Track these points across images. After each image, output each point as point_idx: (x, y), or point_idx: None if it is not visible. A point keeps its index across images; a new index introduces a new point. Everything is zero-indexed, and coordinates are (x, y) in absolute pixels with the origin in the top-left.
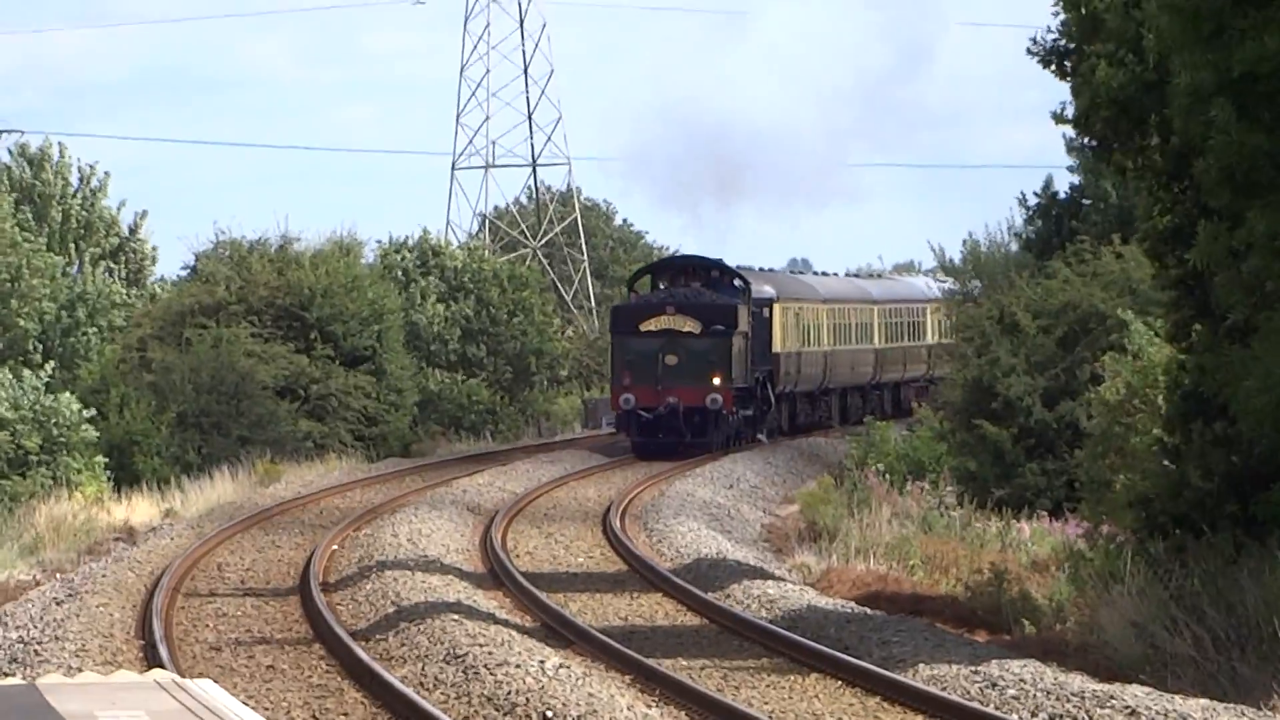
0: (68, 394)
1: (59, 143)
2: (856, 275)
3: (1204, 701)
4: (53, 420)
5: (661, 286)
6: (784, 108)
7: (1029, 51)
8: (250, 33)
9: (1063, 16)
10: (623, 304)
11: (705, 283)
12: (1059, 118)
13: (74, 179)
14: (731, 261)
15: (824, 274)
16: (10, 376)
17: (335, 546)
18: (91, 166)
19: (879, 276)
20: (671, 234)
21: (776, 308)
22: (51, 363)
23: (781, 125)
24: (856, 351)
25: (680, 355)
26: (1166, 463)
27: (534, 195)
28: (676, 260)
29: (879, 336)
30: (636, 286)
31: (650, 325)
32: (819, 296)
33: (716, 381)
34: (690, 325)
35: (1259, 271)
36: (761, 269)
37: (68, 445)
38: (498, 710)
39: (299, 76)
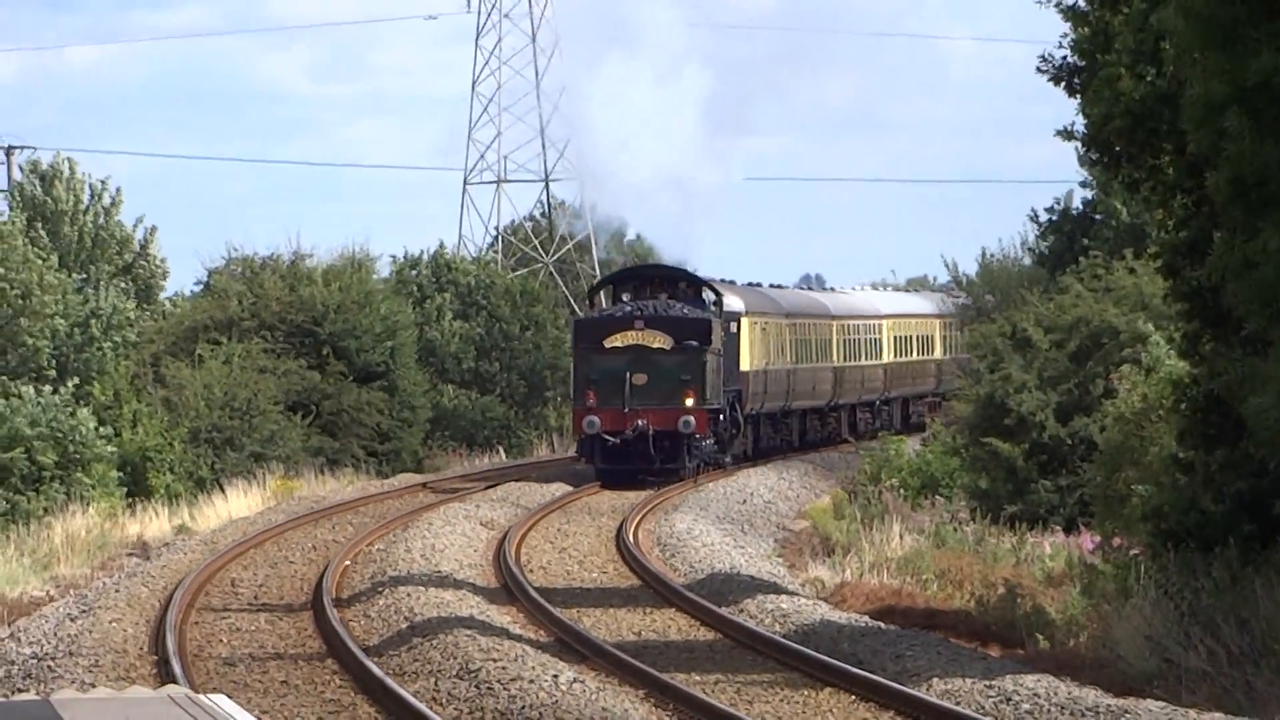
0: (85, 411)
1: (68, 159)
2: (809, 289)
3: (1218, 715)
4: (70, 438)
5: (624, 298)
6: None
7: (1038, 69)
8: (264, 49)
9: (1071, 37)
10: (586, 317)
11: (672, 294)
12: (1067, 134)
13: (85, 195)
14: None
15: (778, 286)
16: (32, 393)
17: (348, 562)
18: (103, 182)
19: (833, 290)
20: (680, 248)
21: (744, 322)
22: (74, 380)
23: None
24: (817, 370)
25: (650, 374)
26: (1179, 476)
27: (546, 210)
28: (641, 270)
29: (837, 354)
30: (598, 298)
31: (616, 341)
32: (781, 310)
33: (689, 403)
34: (661, 341)
35: (1273, 284)
36: (722, 280)
37: (83, 462)
38: None
39: (312, 92)
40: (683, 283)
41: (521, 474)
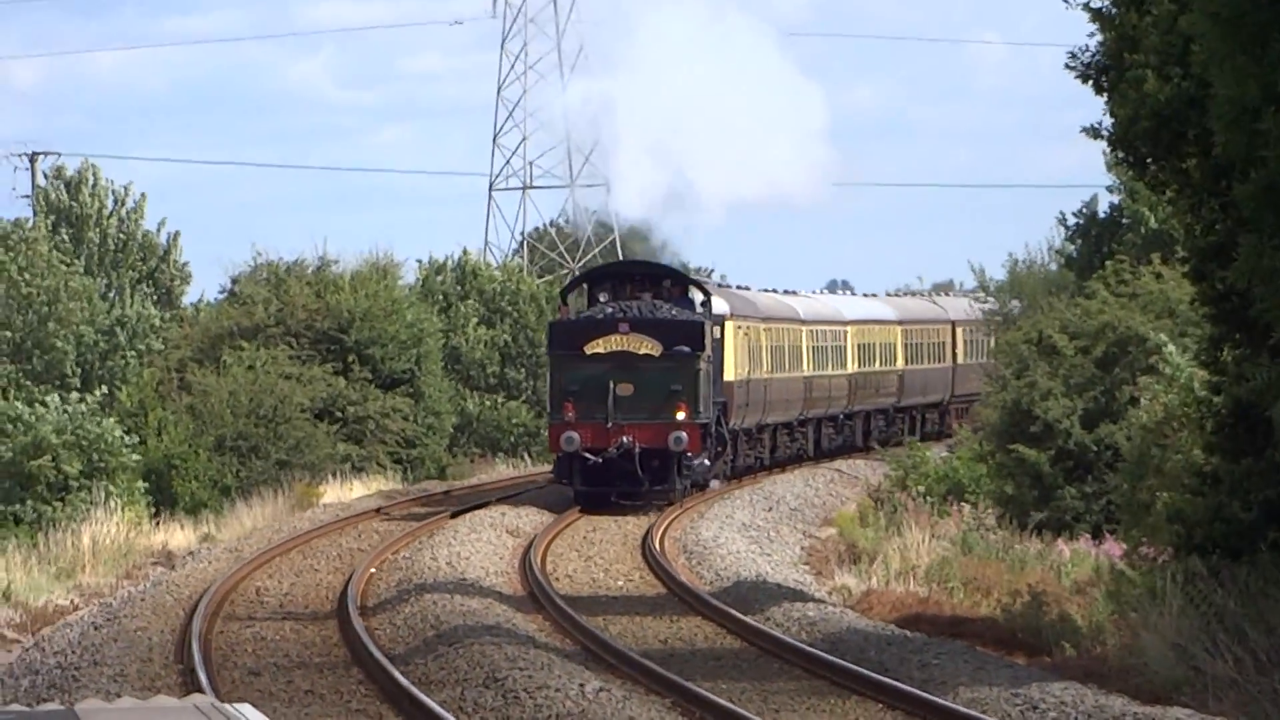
0: (111, 419)
1: (93, 165)
2: (774, 290)
3: None
4: (95, 446)
5: (601, 299)
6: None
7: (1067, 66)
8: (291, 54)
9: (1099, 37)
10: (563, 320)
11: (655, 294)
12: (1094, 132)
13: (109, 201)
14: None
15: (744, 287)
16: (57, 400)
17: (373, 570)
18: (126, 188)
19: (796, 293)
20: (704, 253)
21: (729, 326)
22: (102, 388)
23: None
24: (789, 381)
25: (636, 384)
26: (1204, 486)
27: (572, 217)
28: (620, 266)
29: (807, 363)
30: (571, 299)
31: (598, 347)
32: (759, 314)
33: (681, 416)
34: (648, 347)
35: None
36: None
37: (108, 470)
38: None
39: (339, 98)
40: (667, 280)
41: (547, 480)
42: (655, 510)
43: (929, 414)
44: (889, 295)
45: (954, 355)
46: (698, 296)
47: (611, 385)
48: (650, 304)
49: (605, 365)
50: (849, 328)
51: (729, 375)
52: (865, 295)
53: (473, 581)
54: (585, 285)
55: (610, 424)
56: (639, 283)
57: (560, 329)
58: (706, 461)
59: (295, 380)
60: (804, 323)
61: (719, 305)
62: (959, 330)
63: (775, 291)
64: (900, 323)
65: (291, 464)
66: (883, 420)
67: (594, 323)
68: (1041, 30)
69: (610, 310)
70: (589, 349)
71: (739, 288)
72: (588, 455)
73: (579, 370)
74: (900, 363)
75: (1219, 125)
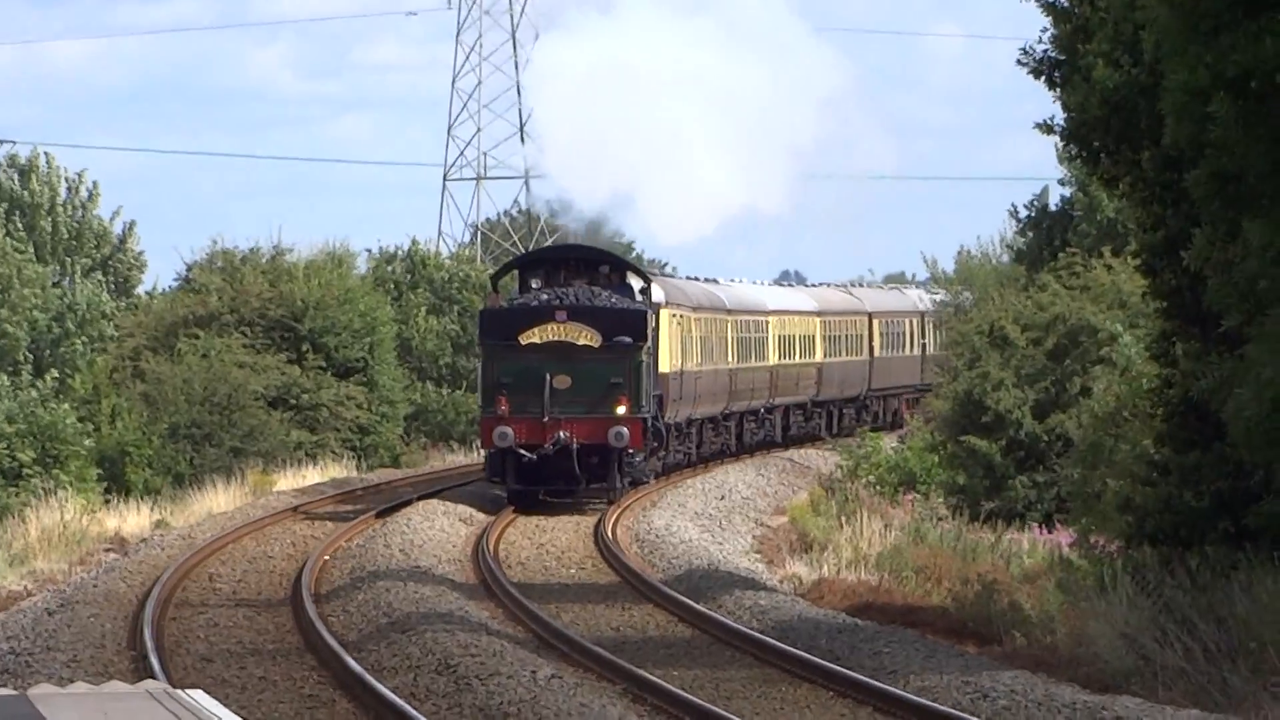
0: (66, 406)
1: (45, 153)
2: (698, 278)
3: (1195, 712)
4: (48, 433)
5: (534, 285)
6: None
7: (1019, 63)
8: (250, 44)
9: (1051, 32)
10: (495, 308)
11: (592, 281)
12: (1047, 127)
13: (63, 190)
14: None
15: (669, 273)
16: (8, 385)
17: (327, 557)
18: (79, 176)
19: (714, 281)
20: (660, 245)
21: (664, 314)
22: (53, 372)
23: None
24: (716, 373)
25: (575, 376)
26: (1155, 476)
27: (526, 207)
28: (554, 251)
29: (732, 355)
30: (502, 285)
31: (534, 336)
32: (690, 303)
33: (621, 410)
34: (587, 337)
35: (1253, 277)
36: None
37: (60, 457)
38: None
39: (297, 88)
40: (605, 266)
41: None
42: (604, 501)
43: (846, 409)
44: (807, 285)
45: (871, 348)
46: (636, 284)
47: (548, 377)
48: (588, 291)
49: (541, 356)
50: (770, 319)
51: (664, 367)
52: (782, 284)
53: (426, 569)
54: (517, 270)
55: (546, 418)
56: (574, 268)
57: (492, 317)
58: (643, 458)
59: (250, 369)
60: (730, 313)
61: (655, 293)
62: (875, 322)
63: (699, 279)
64: (820, 314)
65: (245, 451)
66: (801, 415)
67: (529, 310)
68: (999, 23)
69: (546, 297)
70: (524, 338)
71: (663, 274)
72: (522, 452)
73: (513, 361)
74: (819, 355)
75: (1168, 110)
